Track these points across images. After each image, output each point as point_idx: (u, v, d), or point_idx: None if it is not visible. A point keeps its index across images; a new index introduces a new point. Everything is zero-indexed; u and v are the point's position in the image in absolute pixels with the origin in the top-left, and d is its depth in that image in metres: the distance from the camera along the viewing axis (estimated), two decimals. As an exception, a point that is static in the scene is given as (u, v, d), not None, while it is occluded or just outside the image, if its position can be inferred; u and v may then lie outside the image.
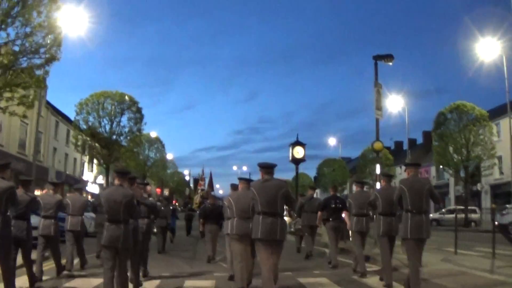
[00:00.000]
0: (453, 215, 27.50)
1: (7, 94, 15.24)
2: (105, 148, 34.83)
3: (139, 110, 36.48)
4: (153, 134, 51.38)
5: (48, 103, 39.37)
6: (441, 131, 35.84)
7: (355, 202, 9.94)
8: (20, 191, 7.80)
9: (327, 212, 11.39)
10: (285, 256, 8.45)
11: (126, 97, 35.54)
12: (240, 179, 8.52)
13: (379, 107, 17.16)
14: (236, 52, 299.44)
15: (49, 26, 15.14)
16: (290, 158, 22.63)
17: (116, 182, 6.86)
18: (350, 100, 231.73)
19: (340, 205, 11.32)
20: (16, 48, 15.01)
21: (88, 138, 34.72)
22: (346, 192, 55.43)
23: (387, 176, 9.30)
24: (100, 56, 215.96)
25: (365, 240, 10.18)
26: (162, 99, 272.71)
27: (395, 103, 36.73)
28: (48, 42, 15.56)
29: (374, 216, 10.78)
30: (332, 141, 60.90)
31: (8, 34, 14.59)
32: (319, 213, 11.83)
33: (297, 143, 22.63)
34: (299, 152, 22.41)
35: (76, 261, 10.32)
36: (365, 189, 10.76)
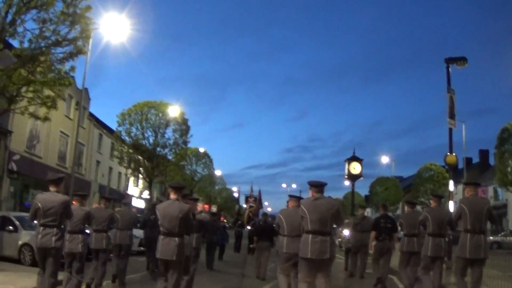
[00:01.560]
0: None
1: (28, 94, 13.78)
2: (148, 161, 34.19)
3: (184, 122, 35.59)
4: (201, 149, 51.01)
5: (91, 115, 39.34)
6: (505, 148, 34.19)
7: (406, 222, 10.02)
8: (75, 205, 8.34)
9: (377, 231, 11.45)
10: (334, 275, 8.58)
11: (171, 108, 34.26)
12: (291, 196, 8.66)
13: (452, 116, 15.90)
14: (286, 70, 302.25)
15: (74, 15, 13.39)
16: (346, 174, 22.07)
17: (172, 196, 7.20)
18: (400, 120, 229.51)
19: (390, 225, 11.40)
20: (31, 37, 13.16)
21: (131, 150, 33.99)
22: (399, 211, 54.57)
23: (437, 197, 9.41)
24: (151, 75, 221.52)
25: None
26: (211, 118, 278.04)
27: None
28: (74, 33, 13.74)
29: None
30: (384, 159, 59.98)
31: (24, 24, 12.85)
32: (372, 232, 11.80)
33: (354, 158, 22.04)
34: (355, 168, 21.83)
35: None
36: (417, 209, 10.81)
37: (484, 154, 60.25)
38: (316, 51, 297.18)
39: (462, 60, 15.95)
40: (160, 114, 34.06)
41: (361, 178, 22.52)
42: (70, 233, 8.09)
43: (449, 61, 15.96)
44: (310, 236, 6.69)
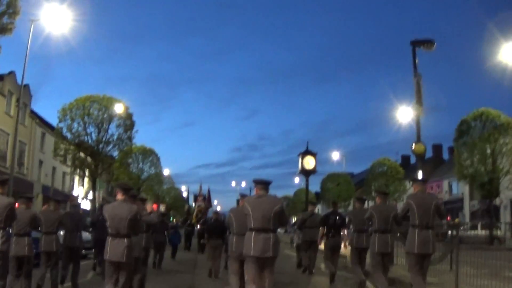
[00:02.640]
0: (476, 232, 27.14)
1: None
2: (92, 159, 33.31)
3: (129, 117, 34.81)
4: (148, 147, 50.41)
5: (33, 113, 38.57)
6: (463, 140, 33.76)
7: (355, 218, 10.34)
8: (20, 208, 8.28)
9: (326, 228, 11.71)
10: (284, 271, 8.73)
11: (116, 105, 33.25)
12: (242, 195, 8.85)
13: (419, 102, 15.20)
14: (236, 70, 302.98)
15: None
16: (300, 169, 21.21)
17: (119, 197, 7.30)
18: (349, 118, 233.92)
19: (339, 221, 11.69)
20: None
21: (72, 147, 32.97)
22: (351, 207, 55.60)
23: (382, 194, 9.77)
24: (98, 75, 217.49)
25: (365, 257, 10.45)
26: (161, 117, 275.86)
27: (404, 115, 35.29)
28: None
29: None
30: (335, 155, 60.83)
31: None
32: (320, 229, 12.08)
33: (308, 152, 21.17)
34: (309, 162, 20.97)
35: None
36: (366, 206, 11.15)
37: (437, 148, 62.15)
38: (267, 50, 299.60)
39: (429, 42, 15.63)
40: (104, 109, 33.02)
41: (315, 173, 21.84)
42: (16, 236, 8.04)
43: (416, 43, 15.57)
44: (253, 233, 6.80)
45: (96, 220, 12.57)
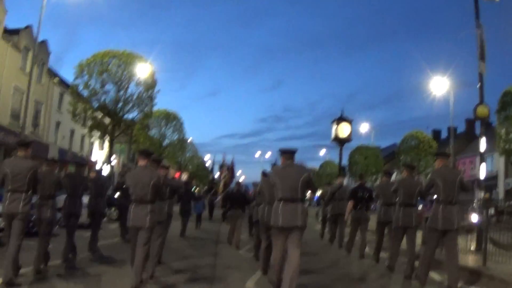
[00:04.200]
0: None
1: None
2: (109, 118, 31.87)
3: (151, 75, 32.73)
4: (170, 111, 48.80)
5: (51, 71, 37.37)
6: (508, 113, 31.28)
7: (382, 192, 10.53)
8: (46, 171, 8.50)
9: (354, 201, 11.90)
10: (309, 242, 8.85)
11: (139, 66, 31.29)
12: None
13: (482, 57, 13.49)
14: (263, 38, 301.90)
15: None
16: (333, 136, 19.82)
17: (141, 163, 7.50)
18: (376, 91, 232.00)
19: (367, 195, 11.92)
20: None
21: (88, 105, 31.24)
22: (378, 181, 55.21)
23: (409, 167, 9.86)
24: (124, 41, 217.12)
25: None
26: (186, 85, 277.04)
27: (439, 85, 32.58)
28: None
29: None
30: (364, 127, 60.05)
31: None
32: (349, 202, 12.17)
33: (342, 119, 19.69)
34: (344, 129, 19.51)
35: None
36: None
37: (470, 123, 59.99)
38: (295, 18, 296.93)
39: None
40: (123, 65, 31.27)
41: (350, 141, 20.48)
42: (40, 198, 8.28)
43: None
44: (281, 203, 6.92)
45: (120, 185, 12.80)
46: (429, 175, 8.24)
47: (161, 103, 47.60)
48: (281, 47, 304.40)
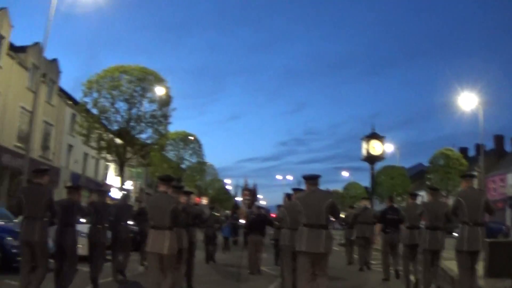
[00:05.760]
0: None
1: None
2: (120, 139, 30.19)
3: (166, 93, 30.85)
4: (189, 134, 48.42)
5: (62, 91, 36.57)
6: None
7: (408, 214, 10.59)
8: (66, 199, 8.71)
9: (384, 224, 11.94)
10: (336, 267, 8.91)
11: (149, 74, 29.93)
12: (295, 190, 9.14)
13: None
14: (284, 62, 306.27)
15: None
16: (365, 155, 19.16)
17: (161, 188, 7.70)
18: (397, 112, 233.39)
19: (396, 217, 11.83)
20: None
21: (97, 125, 29.53)
22: (405, 203, 54.70)
23: (434, 190, 9.95)
24: (145, 65, 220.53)
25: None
26: (208, 110, 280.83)
27: (467, 101, 31.32)
28: None
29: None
30: (388, 147, 59.70)
31: None
32: (377, 225, 12.32)
33: (374, 136, 19.14)
34: (375, 147, 19.00)
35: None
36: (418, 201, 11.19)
37: (499, 140, 59.75)
38: (316, 42, 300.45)
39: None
40: (135, 81, 29.47)
41: (383, 160, 19.89)
42: (61, 226, 8.46)
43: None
44: (306, 229, 7.13)
45: (142, 212, 12.96)
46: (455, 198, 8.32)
47: (180, 129, 47.00)
48: (302, 71, 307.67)
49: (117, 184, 42.73)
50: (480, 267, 9.84)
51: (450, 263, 11.38)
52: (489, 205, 8.09)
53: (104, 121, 29.71)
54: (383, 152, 19.18)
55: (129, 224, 11.45)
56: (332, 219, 7.71)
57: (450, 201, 9.54)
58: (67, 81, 63.77)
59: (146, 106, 30.20)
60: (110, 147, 30.24)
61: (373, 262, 14.69)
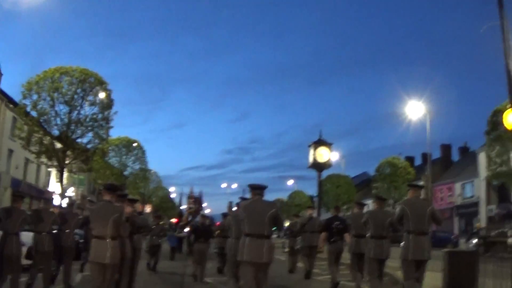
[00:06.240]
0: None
1: None
2: (59, 143, 29.08)
3: (107, 96, 29.80)
4: (131, 140, 47.91)
5: (3, 93, 35.24)
6: (497, 133, 29.48)
7: (354, 223, 10.76)
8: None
9: (328, 233, 11.97)
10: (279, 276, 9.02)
11: (90, 76, 28.78)
12: (243, 199, 9.29)
13: (508, 55, 10.97)
14: (228, 70, 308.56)
15: None
16: (311, 162, 18.69)
17: (105, 197, 7.64)
18: (341, 122, 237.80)
19: (341, 226, 11.94)
20: None
21: (36, 128, 28.14)
22: (351, 211, 55.57)
23: (379, 199, 10.20)
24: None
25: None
26: (151, 118, 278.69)
27: (414, 110, 32.98)
28: None
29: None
30: (334, 156, 60.45)
31: None
32: (322, 234, 12.34)
33: (321, 142, 18.57)
34: (323, 154, 18.46)
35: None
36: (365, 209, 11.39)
37: (446, 149, 61.23)
38: (260, 51, 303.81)
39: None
40: (76, 83, 28.20)
41: (330, 167, 19.44)
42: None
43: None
44: (248, 238, 7.22)
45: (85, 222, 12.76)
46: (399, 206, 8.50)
47: (123, 135, 46.31)
48: (246, 79, 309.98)
49: (58, 191, 40.70)
50: (438, 279, 10.10)
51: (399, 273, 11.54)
52: (435, 215, 8.26)
53: (44, 125, 28.55)
54: (330, 159, 18.97)
55: (73, 233, 11.20)
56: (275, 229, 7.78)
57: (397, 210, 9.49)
58: (10, 85, 61.93)
59: (87, 109, 29.08)
60: (49, 151, 29.04)
61: (316, 270, 14.80)
